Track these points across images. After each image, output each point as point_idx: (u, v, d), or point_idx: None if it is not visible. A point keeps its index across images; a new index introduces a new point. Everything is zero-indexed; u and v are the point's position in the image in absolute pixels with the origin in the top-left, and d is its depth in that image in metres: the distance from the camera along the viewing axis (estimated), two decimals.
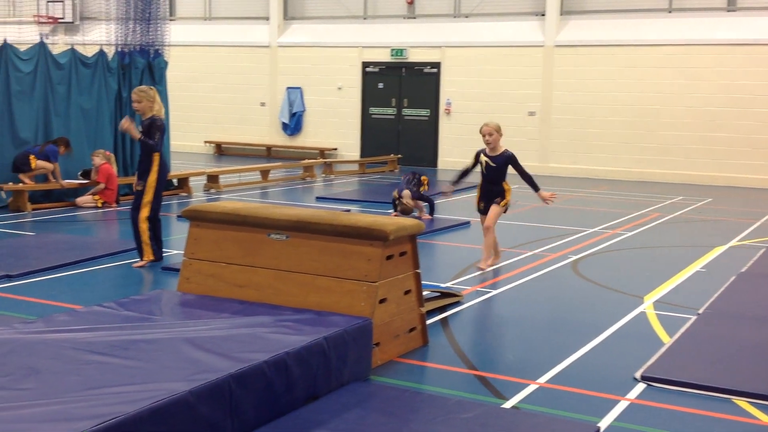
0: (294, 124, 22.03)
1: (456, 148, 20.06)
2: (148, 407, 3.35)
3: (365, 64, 21.25)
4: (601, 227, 11.26)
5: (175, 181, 13.60)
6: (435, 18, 20.69)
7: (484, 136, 8.01)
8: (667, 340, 5.86)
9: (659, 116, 18.34)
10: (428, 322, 5.88)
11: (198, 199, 13.11)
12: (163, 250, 8.18)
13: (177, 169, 14.95)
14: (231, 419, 3.80)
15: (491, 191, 8.20)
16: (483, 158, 8.13)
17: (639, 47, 18.43)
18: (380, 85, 21.17)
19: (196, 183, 14.40)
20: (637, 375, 5.07)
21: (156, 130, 7.67)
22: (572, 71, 19.07)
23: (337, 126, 21.63)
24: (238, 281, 5.42)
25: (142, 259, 7.95)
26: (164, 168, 7.92)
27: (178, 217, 10.56)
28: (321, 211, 5.82)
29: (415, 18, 20.96)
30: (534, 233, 10.71)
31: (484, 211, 8.27)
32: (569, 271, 8.35)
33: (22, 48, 11.95)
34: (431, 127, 20.65)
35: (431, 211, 11.46)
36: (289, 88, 22.01)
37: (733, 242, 10.34)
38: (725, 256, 9.38)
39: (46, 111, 11.97)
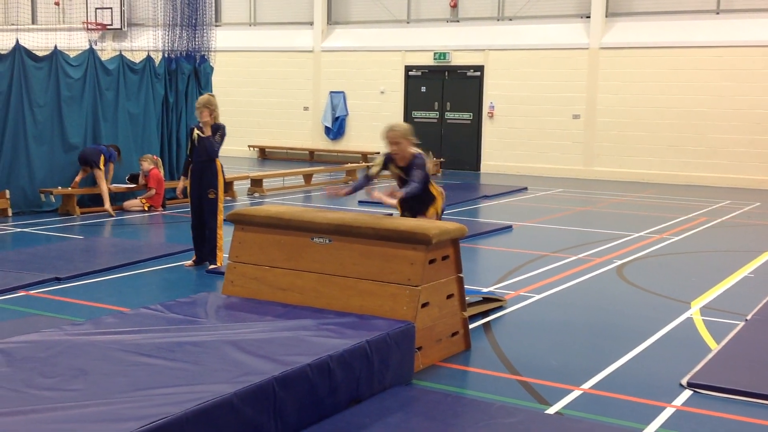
0: (337, 129, 22.13)
1: (499, 151, 19.98)
2: (193, 409, 3.39)
3: (408, 68, 21.26)
4: (647, 231, 11.12)
5: None
6: (478, 21, 20.62)
7: (390, 145, 6.04)
8: (715, 347, 5.76)
9: (706, 119, 18.05)
10: (471, 326, 5.86)
11: (242, 203, 13.23)
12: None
13: None
14: (274, 421, 3.83)
15: (413, 204, 6.19)
16: (393, 170, 6.16)
17: (686, 49, 18.16)
18: (423, 89, 21.17)
19: (240, 187, 14.54)
20: (684, 381, 5.00)
21: (221, 137, 8.02)
22: (617, 74, 18.86)
23: (379, 130, 21.47)
24: (282, 284, 5.46)
25: (216, 263, 8.06)
26: (223, 173, 8.25)
27: (224, 221, 10.66)
28: (364, 214, 5.84)
29: (458, 21, 20.92)
30: (578, 237, 10.62)
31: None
32: (614, 276, 8.26)
33: (72, 54, 12.18)
34: (474, 131, 20.58)
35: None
36: (332, 92, 22.12)
37: None
38: None
39: (95, 116, 12.19)
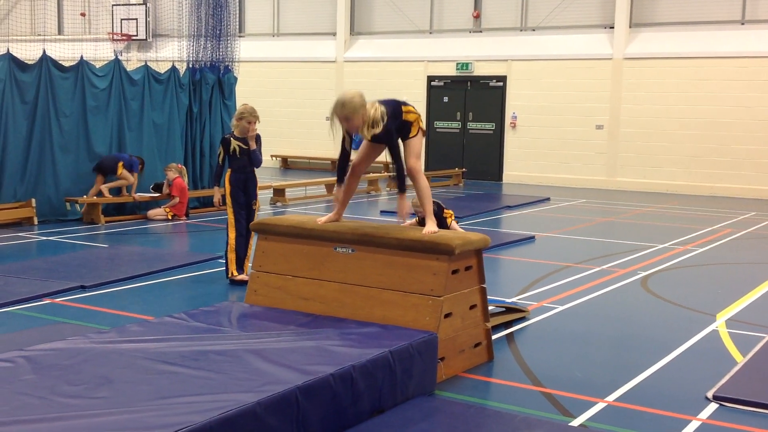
0: (359, 138, 22.11)
1: (521, 162, 19.93)
2: (217, 418, 3.40)
3: (430, 78, 21.28)
4: (671, 243, 11.04)
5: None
6: (501, 31, 20.62)
7: (341, 122, 5.81)
8: (740, 359, 5.70)
9: (731, 130, 17.91)
10: (494, 337, 5.84)
11: (265, 212, 13.28)
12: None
13: None
14: (297, 431, 3.83)
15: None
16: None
17: (710, 59, 18.05)
18: (445, 99, 21.18)
19: (263, 196, 14.58)
20: (709, 394, 4.95)
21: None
22: (641, 84, 18.77)
23: None
24: (304, 294, 5.47)
25: (244, 273, 8.05)
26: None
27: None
28: (386, 225, 5.84)
29: (481, 32, 20.93)
30: (602, 248, 10.55)
31: None
32: (638, 288, 8.20)
33: (98, 65, 12.32)
34: (496, 141, 20.55)
35: None
36: None
37: None
38: None
39: (120, 126, 12.30)
